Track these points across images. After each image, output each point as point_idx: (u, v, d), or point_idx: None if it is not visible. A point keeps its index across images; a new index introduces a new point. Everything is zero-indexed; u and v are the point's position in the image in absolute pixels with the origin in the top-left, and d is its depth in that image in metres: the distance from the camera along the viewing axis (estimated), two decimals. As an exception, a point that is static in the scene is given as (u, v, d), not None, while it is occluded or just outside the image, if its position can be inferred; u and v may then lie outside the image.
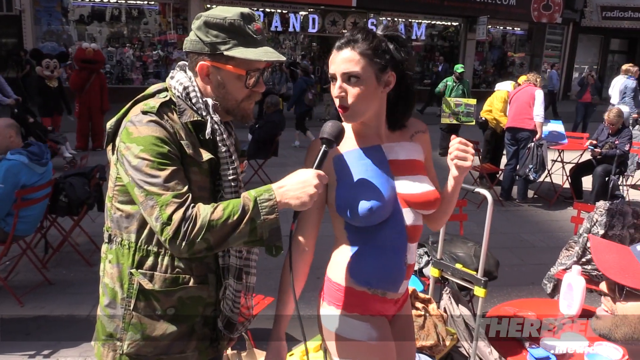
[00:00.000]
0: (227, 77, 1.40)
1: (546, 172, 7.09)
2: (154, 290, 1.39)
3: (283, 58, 1.43)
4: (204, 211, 1.28)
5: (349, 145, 1.57)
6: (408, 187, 1.55)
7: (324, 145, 1.43)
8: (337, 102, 1.50)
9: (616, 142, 6.25)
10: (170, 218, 1.26)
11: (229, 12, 1.38)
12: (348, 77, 1.47)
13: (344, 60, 1.47)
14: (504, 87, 7.39)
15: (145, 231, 1.38)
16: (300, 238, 1.59)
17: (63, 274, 4.25)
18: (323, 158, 1.42)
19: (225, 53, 1.36)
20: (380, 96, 1.52)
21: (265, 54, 1.38)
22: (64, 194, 4.14)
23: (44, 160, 3.78)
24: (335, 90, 1.50)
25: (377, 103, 1.52)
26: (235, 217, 1.27)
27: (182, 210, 1.26)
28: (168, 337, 1.42)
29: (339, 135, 1.45)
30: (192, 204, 1.29)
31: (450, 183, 1.56)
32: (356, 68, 1.45)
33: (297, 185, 1.33)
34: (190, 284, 1.43)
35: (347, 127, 1.60)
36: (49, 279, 4.05)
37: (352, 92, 1.47)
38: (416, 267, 3.35)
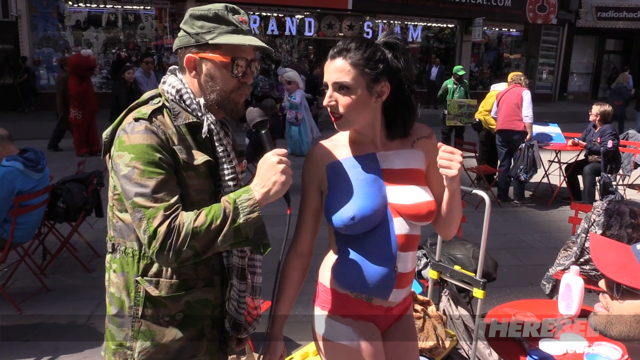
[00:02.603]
0: (214, 67, 1.40)
1: (543, 172, 7.11)
2: (160, 297, 1.39)
3: (269, 48, 1.44)
4: (187, 219, 1.27)
5: (343, 153, 1.57)
6: (400, 197, 1.52)
7: (261, 131, 1.45)
8: (328, 109, 1.50)
9: (598, 140, 6.31)
10: (156, 231, 1.25)
11: (214, 6, 1.40)
12: (339, 87, 1.46)
13: (335, 69, 1.46)
14: (499, 88, 7.38)
15: None
16: (297, 243, 1.60)
17: (61, 280, 4.23)
18: (266, 139, 1.44)
19: (211, 42, 1.37)
20: (373, 106, 1.50)
21: (249, 40, 1.38)
22: (62, 200, 4.12)
23: (39, 166, 3.77)
24: (325, 98, 1.50)
25: (369, 113, 1.50)
26: (218, 221, 1.27)
27: (167, 222, 1.26)
28: (178, 342, 1.42)
29: (265, 111, 1.47)
30: (177, 215, 1.28)
31: (445, 192, 1.52)
32: (346, 78, 1.44)
33: (266, 174, 1.34)
34: (197, 287, 1.43)
35: (343, 135, 1.60)
36: (47, 285, 4.04)
37: (342, 101, 1.46)
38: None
